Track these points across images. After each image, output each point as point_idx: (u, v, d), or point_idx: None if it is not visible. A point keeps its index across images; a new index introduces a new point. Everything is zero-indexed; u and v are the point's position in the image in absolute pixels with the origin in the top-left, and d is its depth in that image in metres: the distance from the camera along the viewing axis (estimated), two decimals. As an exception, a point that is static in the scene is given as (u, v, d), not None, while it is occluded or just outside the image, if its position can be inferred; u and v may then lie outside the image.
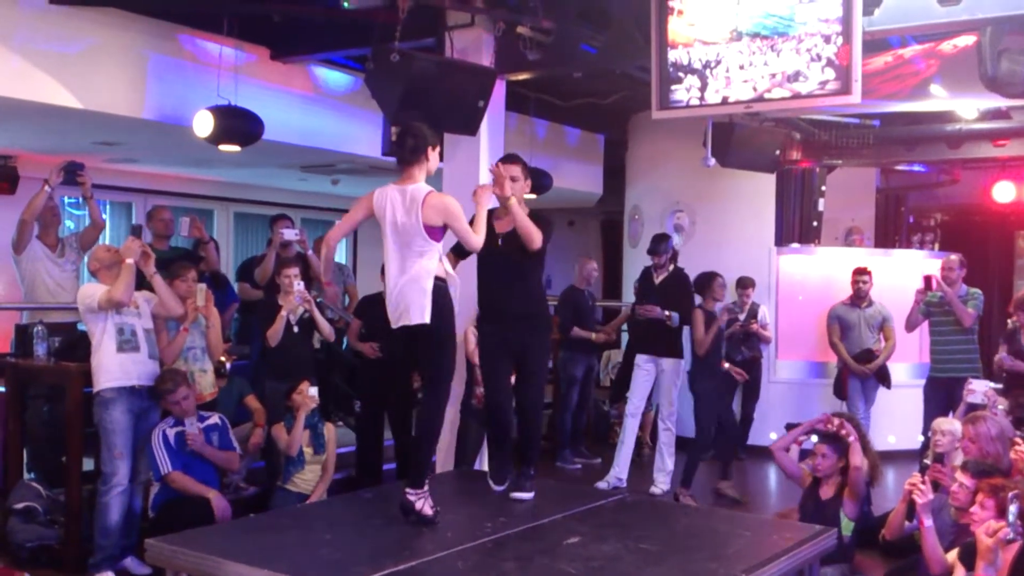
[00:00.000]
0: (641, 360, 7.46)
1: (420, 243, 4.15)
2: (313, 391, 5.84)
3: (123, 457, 5.24)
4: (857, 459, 4.99)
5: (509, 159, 4.84)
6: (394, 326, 4.26)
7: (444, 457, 6.53)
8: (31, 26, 6.39)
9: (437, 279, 4.20)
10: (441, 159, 6.44)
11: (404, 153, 4.24)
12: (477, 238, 4.33)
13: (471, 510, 4.72)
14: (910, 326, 7.73)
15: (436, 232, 4.18)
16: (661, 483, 7.35)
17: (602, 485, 7.23)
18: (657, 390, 7.45)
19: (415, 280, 4.15)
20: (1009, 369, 6.76)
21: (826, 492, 5.12)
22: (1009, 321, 7.16)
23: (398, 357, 4.53)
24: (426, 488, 4.28)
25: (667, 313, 7.26)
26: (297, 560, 3.78)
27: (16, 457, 6.02)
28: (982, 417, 5.01)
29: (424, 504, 4.24)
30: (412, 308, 4.14)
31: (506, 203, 4.58)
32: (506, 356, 4.88)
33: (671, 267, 7.50)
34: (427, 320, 4.13)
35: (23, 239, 6.58)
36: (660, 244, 7.46)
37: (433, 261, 4.18)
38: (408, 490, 4.25)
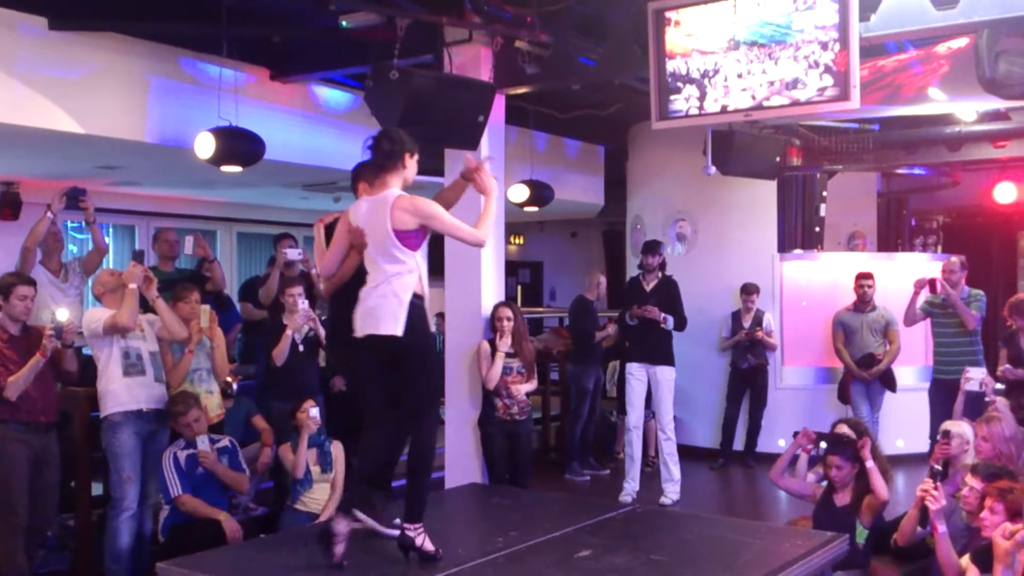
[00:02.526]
0: (633, 368, 7.41)
1: (393, 249, 3.83)
2: (315, 411, 5.83)
3: (132, 481, 5.25)
4: (875, 480, 4.91)
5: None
6: (359, 334, 3.91)
7: (469, 472, 6.51)
8: (31, 52, 6.42)
9: (415, 296, 3.87)
10: (443, 174, 6.50)
11: (379, 157, 3.95)
12: (478, 232, 3.91)
13: (483, 525, 4.72)
14: (909, 320, 7.77)
15: (409, 238, 3.85)
16: (671, 493, 7.32)
17: (626, 499, 7.15)
18: (653, 399, 7.40)
19: (390, 289, 3.82)
20: (1013, 379, 6.75)
21: (841, 499, 5.07)
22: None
23: (363, 371, 4.11)
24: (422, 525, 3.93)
25: (663, 315, 7.26)
26: (309, 580, 3.78)
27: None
28: (996, 417, 5.04)
29: (424, 540, 3.94)
30: (383, 317, 3.81)
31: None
32: (385, 380, 4.19)
33: (660, 275, 7.53)
34: (399, 333, 3.78)
35: (26, 266, 6.57)
36: (657, 245, 7.67)
37: (412, 274, 3.86)
38: (406, 524, 3.92)
